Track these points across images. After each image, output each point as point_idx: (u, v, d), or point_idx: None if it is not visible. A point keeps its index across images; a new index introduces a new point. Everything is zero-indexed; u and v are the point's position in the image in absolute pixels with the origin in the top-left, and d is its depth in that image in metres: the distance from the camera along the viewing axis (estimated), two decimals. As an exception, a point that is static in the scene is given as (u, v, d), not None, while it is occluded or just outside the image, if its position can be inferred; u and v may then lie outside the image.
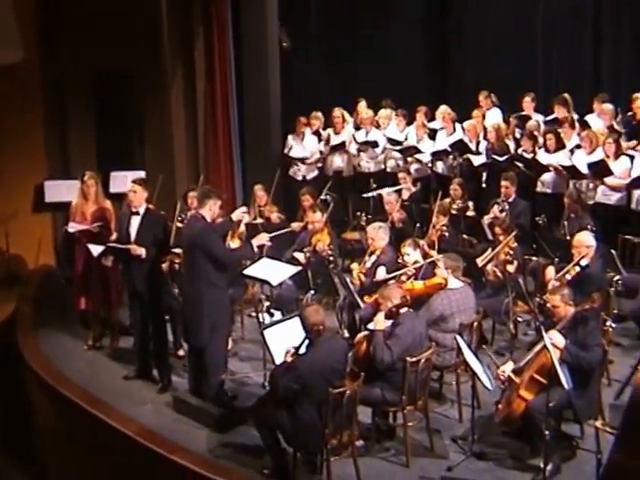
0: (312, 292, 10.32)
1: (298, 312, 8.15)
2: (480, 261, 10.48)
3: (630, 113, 13.92)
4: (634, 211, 12.43)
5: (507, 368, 8.17)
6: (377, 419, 8.54)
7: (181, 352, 10.54)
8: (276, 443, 7.85)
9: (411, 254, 10.24)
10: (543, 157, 13.05)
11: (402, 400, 8.09)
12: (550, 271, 10.27)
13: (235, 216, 9.59)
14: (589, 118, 14.18)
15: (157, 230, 9.91)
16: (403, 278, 9.93)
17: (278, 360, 7.95)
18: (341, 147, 14.84)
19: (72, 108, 13.94)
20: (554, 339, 7.82)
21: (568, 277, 9.64)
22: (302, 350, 7.69)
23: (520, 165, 13.14)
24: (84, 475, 9.15)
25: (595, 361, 7.92)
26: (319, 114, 15.21)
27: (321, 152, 15.02)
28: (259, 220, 12.41)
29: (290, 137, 15.10)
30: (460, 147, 13.87)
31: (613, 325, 9.05)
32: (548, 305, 8.34)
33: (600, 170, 12.40)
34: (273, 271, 9.90)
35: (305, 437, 7.59)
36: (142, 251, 9.68)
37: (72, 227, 11.07)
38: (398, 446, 8.38)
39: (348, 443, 7.77)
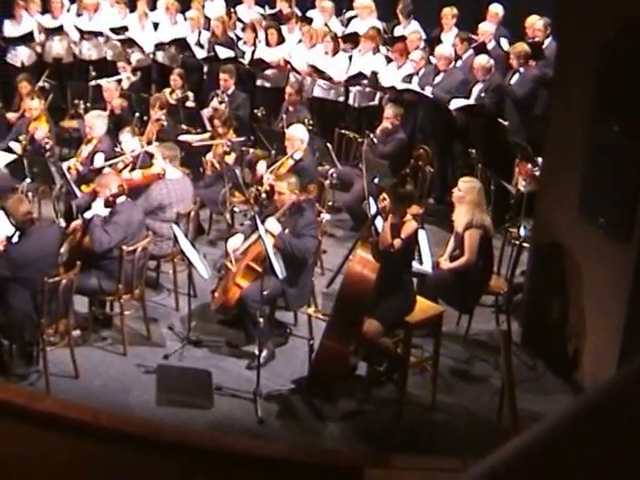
0: (28, 181, 10.05)
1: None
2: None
3: (352, 13, 14.20)
4: (351, 107, 12.78)
5: (237, 241, 8.36)
6: (94, 308, 8.54)
7: None
8: (-10, 335, 7.69)
9: (128, 141, 10.18)
10: (264, 51, 13.15)
11: (119, 289, 8.10)
12: (261, 166, 10.46)
13: None
14: (311, 13, 14.38)
15: None
16: (120, 166, 9.87)
17: (-11, 249, 7.74)
18: (58, 31, 14.38)
19: None
20: (270, 226, 8.01)
21: (283, 170, 9.85)
22: (15, 239, 7.52)
23: (242, 60, 13.21)
24: None
25: (307, 250, 8.15)
26: (37, -4, 14.63)
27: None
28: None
29: (7, 22, 14.44)
30: (181, 44, 13.78)
31: (328, 217, 9.37)
32: (273, 190, 8.53)
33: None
34: (-14, 160, 9.63)
35: (20, 328, 7.45)
36: None
37: None
38: (115, 335, 8.42)
39: (65, 333, 7.70)
